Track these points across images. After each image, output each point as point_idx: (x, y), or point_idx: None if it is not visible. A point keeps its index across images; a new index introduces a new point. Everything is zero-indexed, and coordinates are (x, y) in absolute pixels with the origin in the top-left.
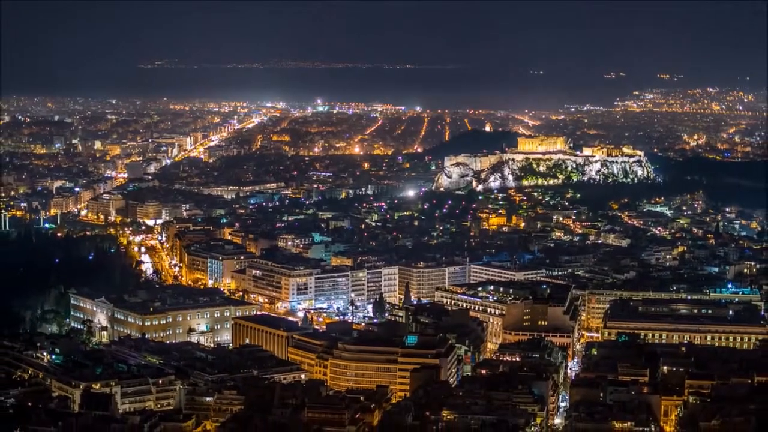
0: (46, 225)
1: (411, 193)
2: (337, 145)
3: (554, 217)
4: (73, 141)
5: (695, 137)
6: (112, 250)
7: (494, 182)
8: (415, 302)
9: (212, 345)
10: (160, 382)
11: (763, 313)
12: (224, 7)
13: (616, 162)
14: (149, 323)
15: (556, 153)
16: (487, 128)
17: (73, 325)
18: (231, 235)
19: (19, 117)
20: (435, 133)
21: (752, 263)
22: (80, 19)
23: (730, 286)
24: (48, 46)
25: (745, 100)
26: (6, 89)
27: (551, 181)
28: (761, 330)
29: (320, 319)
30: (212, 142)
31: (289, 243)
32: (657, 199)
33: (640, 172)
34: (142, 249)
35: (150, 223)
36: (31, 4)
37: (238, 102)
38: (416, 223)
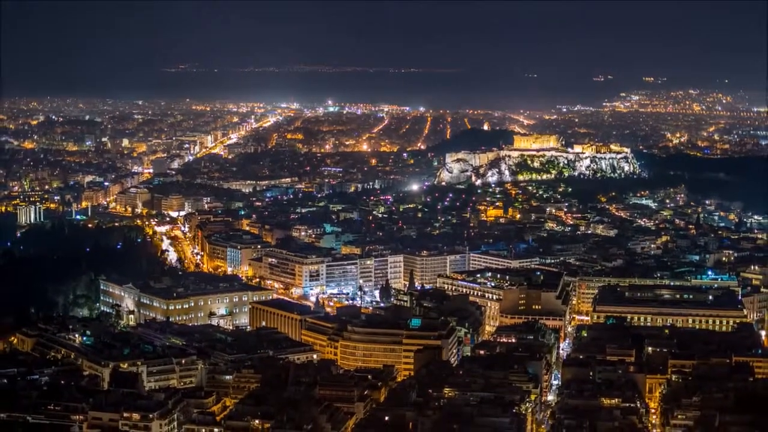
0: (78, 216)
1: (415, 187)
2: (347, 143)
3: (547, 209)
4: (103, 139)
5: (678, 135)
6: (139, 240)
7: (492, 177)
8: (418, 288)
9: (231, 327)
10: (183, 361)
11: (740, 297)
12: (242, 15)
13: (605, 158)
14: (173, 307)
15: (549, 150)
16: (486, 127)
17: (102, 309)
18: (248, 226)
19: (53, 117)
20: (437, 131)
21: (730, 252)
22: (109, 27)
23: (709, 273)
24: (80, 52)
25: (724, 101)
26: (41, 91)
27: (544, 176)
28: (738, 314)
29: (331, 304)
30: (231, 140)
31: (303, 233)
32: (642, 193)
33: (626, 168)
34: (167, 239)
35: (174, 214)
36: (67, 12)
37: (255, 103)
38: (420, 215)
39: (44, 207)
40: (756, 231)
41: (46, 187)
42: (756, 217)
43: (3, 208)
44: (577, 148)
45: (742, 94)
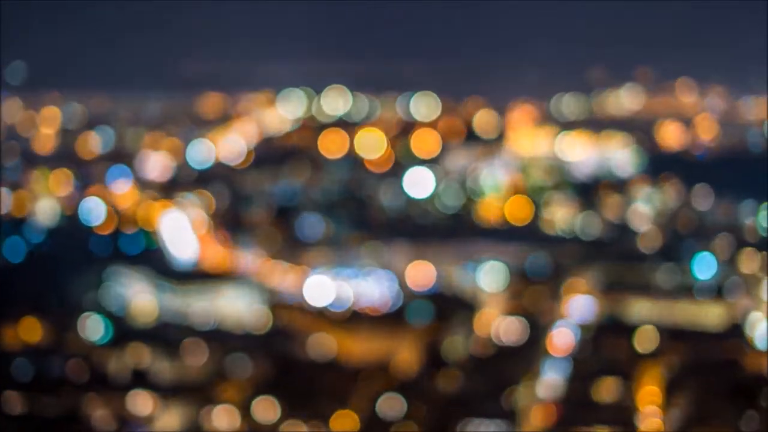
0: (94, 213)
1: (419, 182)
2: (356, 139)
3: (546, 204)
4: (120, 136)
5: (672, 133)
6: (154, 235)
7: (492, 173)
8: (422, 280)
9: (244, 319)
10: (196, 351)
11: (732, 290)
12: (257, 17)
13: (602, 156)
14: (187, 299)
15: (548, 147)
16: (486, 125)
17: (117, 301)
18: (260, 221)
19: (71, 113)
20: (440, 128)
21: (723, 245)
22: (128, 23)
23: (703, 265)
24: (98, 49)
25: (718, 101)
26: (60, 88)
27: (543, 173)
28: (730, 306)
29: (339, 295)
30: (244, 138)
31: (312, 227)
32: (638, 187)
33: (623, 165)
34: (182, 233)
35: (188, 209)
36: (86, 9)
37: (267, 100)
38: (424, 210)
39: (61, 204)
40: (747, 226)
41: (64, 184)
42: (747, 212)
43: (21, 206)
44: (575, 146)
45: (735, 94)
